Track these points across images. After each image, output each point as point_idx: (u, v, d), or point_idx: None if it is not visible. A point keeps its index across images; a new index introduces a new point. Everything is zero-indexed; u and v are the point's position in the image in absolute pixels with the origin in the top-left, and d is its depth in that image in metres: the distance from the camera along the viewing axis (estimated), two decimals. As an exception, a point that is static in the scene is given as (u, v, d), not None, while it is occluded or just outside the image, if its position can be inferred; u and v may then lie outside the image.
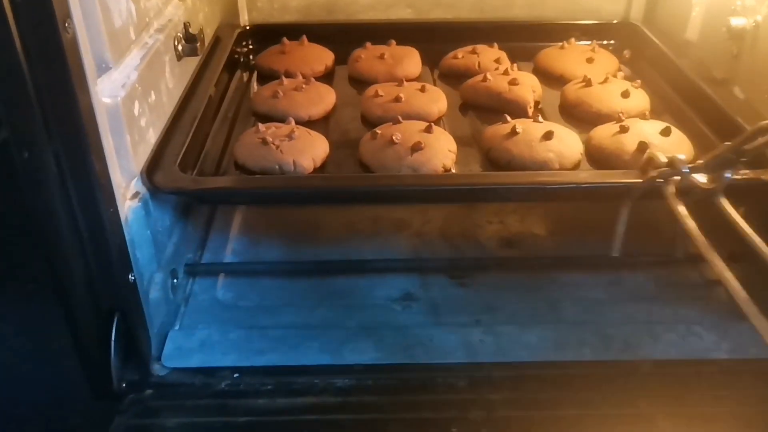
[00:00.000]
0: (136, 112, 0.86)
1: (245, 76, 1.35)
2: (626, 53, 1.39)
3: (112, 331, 0.83)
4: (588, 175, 0.96)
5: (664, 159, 0.80)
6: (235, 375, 0.87)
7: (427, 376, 0.86)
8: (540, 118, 1.03)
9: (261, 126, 1.02)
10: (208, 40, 1.28)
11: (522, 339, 0.96)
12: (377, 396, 0.83)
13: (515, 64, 1.22)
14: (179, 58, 1.07)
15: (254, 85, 1.31)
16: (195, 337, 0.96)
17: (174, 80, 1.04)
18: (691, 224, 0.73)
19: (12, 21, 0.63)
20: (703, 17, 1.24)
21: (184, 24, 1.11)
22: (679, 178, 0.78)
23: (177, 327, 1.00)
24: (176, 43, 1.05)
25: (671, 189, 0.78)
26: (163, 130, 0.96)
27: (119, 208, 0.80)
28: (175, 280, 0.98)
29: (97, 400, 0.84)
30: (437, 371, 0.88)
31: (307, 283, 1.12)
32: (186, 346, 0.94)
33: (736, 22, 1.08)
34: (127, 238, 0.82)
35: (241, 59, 1.41)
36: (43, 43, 0.65)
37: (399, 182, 0.92)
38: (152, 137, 0.93)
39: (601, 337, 0.95)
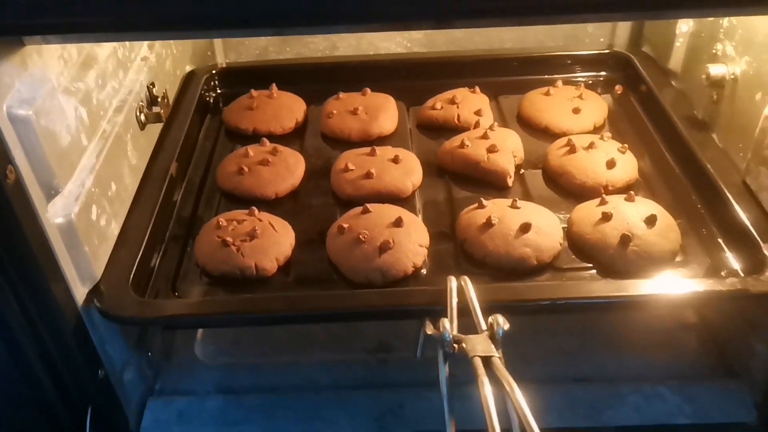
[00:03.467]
0: (94, 216, 0.84)
1: (213, 128, 1.28)
2: (618, 89, 1.30)
3: (86, 422, 0.85)
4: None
5: (431, 330, 0.77)
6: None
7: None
8: (518, 203, 0.96)
9: (222, 220, 0.96)
10: (176, 85, 1.24)
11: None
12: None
13: (495, 123, 1.15)
14: (143, 127, 1.03)
15: (222, 141, 1.24)
16: (173, 406, 0.97)
17: (138, 153, 1.01)
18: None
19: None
20: (686, 52, 1.19)
21: (148, 87, 1.06)
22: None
23: (158, 387, 1.01)
24: (138, 114, 1.01)
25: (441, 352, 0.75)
26: (117, 237, 0.92)
27: (83, 314, 0.81)
28: (150, 353, 0.98)
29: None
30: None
31: (284, 331, 1.10)
32: (164, 418, 0.96)
33: (715, 71, 1.04)
34: (94, 338, 0.84)
35: (211, 105, 1.34)
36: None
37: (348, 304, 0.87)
38: (114, 230, 0.92)
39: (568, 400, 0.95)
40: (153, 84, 1.09)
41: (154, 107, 1.07)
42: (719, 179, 0.98)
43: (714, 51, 1.06)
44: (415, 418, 0.94)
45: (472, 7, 0.64)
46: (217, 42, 1.39)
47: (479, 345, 0.76)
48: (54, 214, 0.76)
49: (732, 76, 1.02)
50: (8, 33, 0.67)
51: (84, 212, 0.81)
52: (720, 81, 1.04)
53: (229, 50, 1.40)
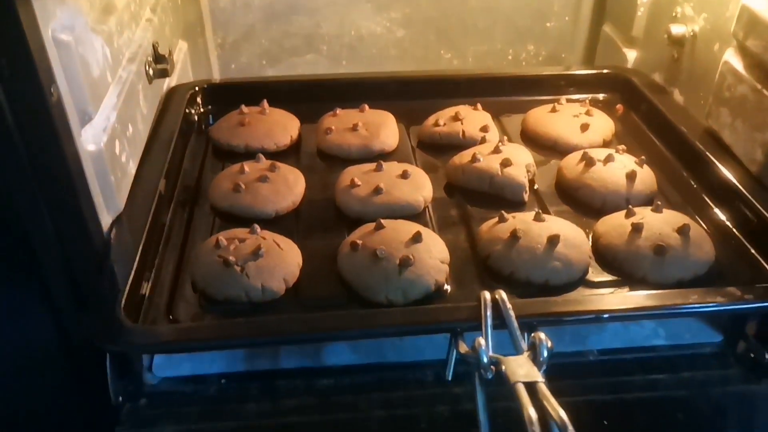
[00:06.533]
0: (117, 150, 0.89)
1: (199, 146, 1.19)
2: (619, 109, 1.28)
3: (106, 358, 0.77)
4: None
5: (465, 350, 0.71)
6: (222, 381, 0.85)
7: (399, 374, 0.85)
8: (540, 214, 0.90)
9: (222, 238, 0.87)
10: (174, 49, 1.31)
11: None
12: (355, 395, 0.83)
13: (505, 137, 1.10)
14: (150, 81, 1.10)
15: (210, 159, 1.15)
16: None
17: (147, 105, 1.08)
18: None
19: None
20: (647, 17, 1.33)
21: (153, 45, 1.13)
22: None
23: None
24: (147, 68, 1.08)
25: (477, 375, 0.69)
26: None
27: (107, 240, 0.83)
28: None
29: (96, 414, 0.83)
30: (407, 369, 0.85)
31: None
32: (175, 356, 0.87)
33: (676, 30, 1.17)
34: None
35: (195, 125, 1.25)
36: (30, 107, 0.67)
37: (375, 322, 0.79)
38: (132, 169, 0.97)
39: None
40: (157, 43, 1.15)
41: (159, 64, 1.14)
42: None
43: (674, 14, 1.20)
44: (415, 348, 0.87)
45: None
46: (206, 16, 1.40)
47: (521, 368, 0.67)
48: (86, 140, 0.80)
49: (691, 33, 1.15)
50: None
51: (110, 144, 0.86)
52: (681, 39, 1.17)
53: (218, 27, 1.41)
